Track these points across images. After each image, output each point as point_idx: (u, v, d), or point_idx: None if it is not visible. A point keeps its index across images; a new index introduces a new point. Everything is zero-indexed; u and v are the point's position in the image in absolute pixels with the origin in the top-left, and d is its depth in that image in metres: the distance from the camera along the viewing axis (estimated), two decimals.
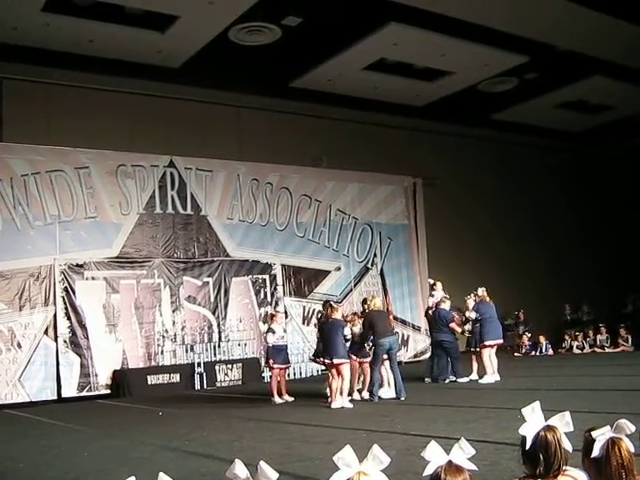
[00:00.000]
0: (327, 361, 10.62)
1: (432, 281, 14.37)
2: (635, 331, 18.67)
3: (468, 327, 13.06)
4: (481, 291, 13.09)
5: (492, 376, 12.27)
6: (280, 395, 11.66)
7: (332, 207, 19.27)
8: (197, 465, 6.51)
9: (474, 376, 12.67)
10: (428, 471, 2.27)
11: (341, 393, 10.49)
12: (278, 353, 11.82)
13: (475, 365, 12.85)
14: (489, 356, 12.43)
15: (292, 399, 11.64)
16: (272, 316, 12.42)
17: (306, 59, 17.01)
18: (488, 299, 12.98)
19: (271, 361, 11.81)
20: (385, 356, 11.17)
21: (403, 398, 10.78)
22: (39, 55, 15.09)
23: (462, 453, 2.30)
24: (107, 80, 16.17)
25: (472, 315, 12.81)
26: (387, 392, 11.26)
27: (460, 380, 12.62)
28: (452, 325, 12.90)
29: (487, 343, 12.44)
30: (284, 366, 12.00)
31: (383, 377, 11.46)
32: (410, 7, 14.45)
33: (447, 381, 12.81)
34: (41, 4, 13.33)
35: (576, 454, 2.63)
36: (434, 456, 2.27)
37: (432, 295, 13.99)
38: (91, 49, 15.23)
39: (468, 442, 2.33)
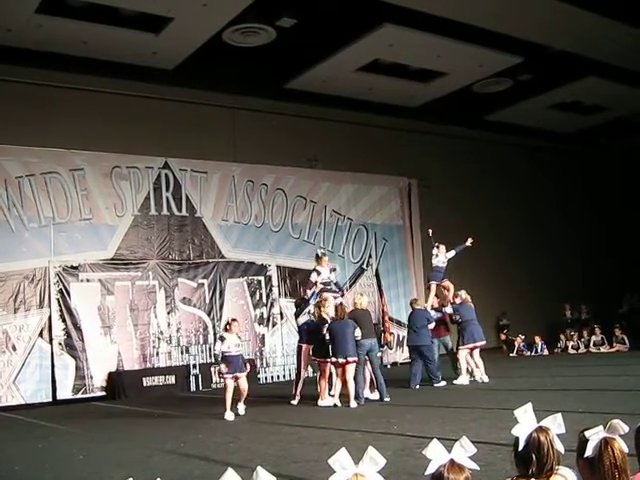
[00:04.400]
0: (341, 360, 10.61)
1: (437, 242, 13.71)
2: (630, 331, 18.71)
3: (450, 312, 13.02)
4: (464, 293, 13.06)
5: (466, 377, 12.29)
6: (233, 406, 10.31)
7: (327, 208, 19.29)
8: (192, 467, 6.50)
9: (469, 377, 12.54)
10: (430, 470, 2.26)
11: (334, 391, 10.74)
12: (229, 362, 10.43)
13: (465, 366, 12.62)
14: (466, 357, 12.44)
15: (243, 412, 10.41)
16: (226, 324, 10.96)
17: (301, 60, 17.02)
18: (469, 302, 12.95)
19: (220, 370, 10.67)
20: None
21: (387, 399, 10.80)
22: (33, 57, 15.06)
23: (463, 451, 2.30)
24: (101, 81, 16.14)
25: (448, 310, 12.98)
26: (374, 394, 11.27)
27: (436, 385, 12.28)
28: (431, 326, 12.65)
29: (469, 346, 12.42)
30: (234, 375, 10.42)
31: (372, 378, 11.44)
32: (405, 8, 14.47)
33: (417, 387, 12.32)
34: (35, 6, 13.30)
35: (571, 454, 2.64)
36: (436, 455, 2.27)
37: (436, 255, 13.42)
38: (85, 50, 15.20)
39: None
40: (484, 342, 12.84)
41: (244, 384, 10.46)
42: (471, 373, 12.54)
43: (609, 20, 15.55)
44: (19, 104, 15.26)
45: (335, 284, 12.17)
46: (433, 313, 12.95)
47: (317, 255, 12.27)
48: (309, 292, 11.84)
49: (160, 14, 14.30)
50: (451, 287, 13.45)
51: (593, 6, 14.96)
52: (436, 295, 13.62)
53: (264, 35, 15.51)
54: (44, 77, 15.61)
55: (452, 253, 13.53)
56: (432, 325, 12.70)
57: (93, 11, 13.76)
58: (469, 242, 13.66)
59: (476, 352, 12.53)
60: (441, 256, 13.32)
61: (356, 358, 10.72)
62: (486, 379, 12.25)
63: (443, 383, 12.33)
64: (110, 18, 14.12)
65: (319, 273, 11.74)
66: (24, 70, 15.31)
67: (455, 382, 12.24)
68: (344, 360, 10.59)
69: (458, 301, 12.99)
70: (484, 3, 14.53)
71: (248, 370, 10.82)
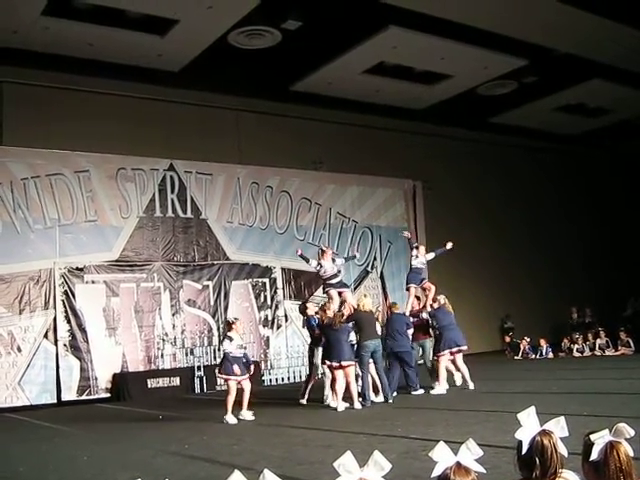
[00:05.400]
0: (335, 364, 10.60)
1: (416, 244, 13.75)
2: (635, 334, 18.64)
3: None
4: (442, 298, 12.64)
5: (443, 387, 11.79)
6: (238, 408, 10.04)
7: (332, 210, 19.30)
8: (197, 469, 6.50)
9: (458, 382, 12.19)
10: (436, 472, 2.26)
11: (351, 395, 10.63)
12: (233, 363, 10.08)
13: (457, 373, 12.27)
14: (446, 365, 12.01)
15: (252, 418, 10.03)
16: (230, 324, 10.65)
17: (306, 62, 17.04)
18: (448, 306, 12.52)
19: (224, 372, 10.18)
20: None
21: (391, 401, 10.78)
22: (39, 59, 15.12)
23: (470, 454, 2.29)
24: (107, 84, 16.20)
25: (424, 315, 12.61)
26: (378, 396, 11.19)
27: (414, 392, 11.70)
28: (410, 331, 12.24)
29: (446, 351, 11.98)
30: (240, 377, 10.10)
31: (374, 381, 11.38)
32: (409, 11, 14.48)
33: (393, 397, 11.28)
34: (41, 8, 13.35)
35: (576, 457, 2.63)
36: (442, 457, 2.27)
37: (416, 256, 13.02)
38: (91, 53, 15.25)
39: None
40: (465, 347, 12.24)
41: (247, 386, 10.21)
42: (463, 379, 12.14)
43: (613, 22, 15.54)
44: (25, 106, 15.33)
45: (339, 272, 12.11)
46: (410, 319, 12.54)
47: (321, 250, 12.27)
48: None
49: (166, 16, 14.34)
50: (432, 288, 13.06)
51: (597, 9, 14.94)
52: (417, 297, 13.33)
53: (269, 37, 15.54)
54: (50, 79, 15.67)
55: (431, 255, 13.32)
56: (411, 330, 12.33)
57: (99, 13, 13.81)
58: (449, 245, 13.30)
59: (459, 358, 12.09)
60: (421, 257, 13.00)
61: (352, 362, 10.65)
62: (471, 386, 11.75)
63: (421, 391, 11.81)
64: (116, 20, 14.16)
65: (321, 266, 11.72)
66: (30, 72, 15.37)
67: (432, 392, 11.70)
68: (338, 364, 10.56)
69: (436, 306, 12.58)
70: (488, 5, 14.53)
71: (252, 373, 10.72)
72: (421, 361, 13.12)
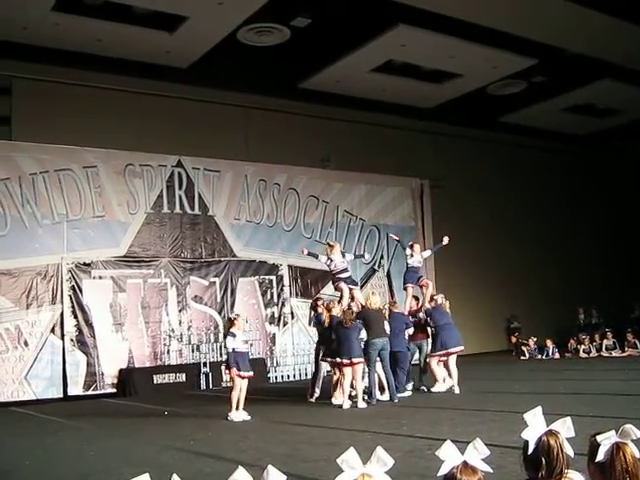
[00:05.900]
0: (345, 361, 10.60)
1: (410, 242, 13.63)
2: None
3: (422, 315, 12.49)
4: (440, 297, 12.50)
5: (443, 385, 11.70)
6: (237, 408, 9.99)
7: (339, 208, 19.28)
8: (202, 465, 6.51)
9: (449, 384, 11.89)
10: (442, 471, 2.25)
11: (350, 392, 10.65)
12: (240, 359, 10.09)
13: (445, 372, 12.02)
14: (442, 364, 11.83)
15: (248, 417, 9.88)
16: (232, 320, 10.47)
17: (314, 60, 17.03)
18: (446, 306, 12.35)
19: (233, 369, 10.03)
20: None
21: (396, 400, 10.74)
22: (48, 54, 15.16)
23: (477, 453, 2.29)
24: (116, 80, 16.22)
25: (421, 315, 12.44)
26: (384, 395, 11.13)
27: (400, 395, 11.27)
28: (410, 331, 12.08)
29: (440, 353, 11.78)
30: (247, 374, 10.13)
31: (381, 379, 11.35)
32: (418, 9, 14.45)
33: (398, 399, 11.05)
34: (51, 4, 13.38)
35: (582, 458, 2.62)
36: (449, 456, 2.26)
37: (411, 254, 12.79)
38: (100, 49, 15.29)
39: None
40: (460, 348, 11.87)
41: (245, 384, 10.16)
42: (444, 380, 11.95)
43: (625, 22, 15.48)
44: (34, 101, 15.38)
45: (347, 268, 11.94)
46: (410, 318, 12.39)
47: (329, 244, 12.23)
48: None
49: (175, 13, 14.36)
50: (430, 285, 12.97)
51: (609, 8, 14.88)
52: (416, 298, 13.11)
53: (278, 35, 15.54)
54: (59, 75, 15.70)
55: (428, 252, 13.42)
56: (411, 330, 12.16)
57: (108, 9, 13.84)
58: (446, 241, 13.06)
59: (452, 359, 11.78)
60: (417, 256, 12.73)
61: (362, 359, 10.67)
62: (457, 390, 11.42)
63: (407, 394, 11.63)
64: (125, 16, 14.19)
65: (332, 260, 11.64)
66: (39, 67, 15.42)
67: (432, 389, 11.75)
68: (348, 361, 10.57)
69: (433, 305, 12.42)
70: (498, 4, 14.49)
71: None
72: (417, 362, 12.94)
